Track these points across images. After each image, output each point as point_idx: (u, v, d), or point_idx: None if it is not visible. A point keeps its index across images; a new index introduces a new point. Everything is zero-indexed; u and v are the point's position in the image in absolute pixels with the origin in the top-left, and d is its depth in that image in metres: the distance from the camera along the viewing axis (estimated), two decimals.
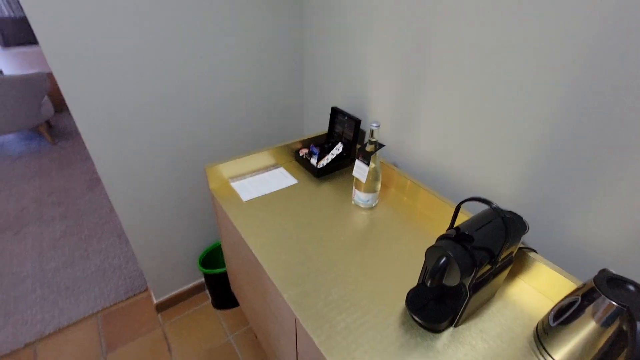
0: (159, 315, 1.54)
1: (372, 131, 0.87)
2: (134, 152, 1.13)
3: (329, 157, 1.10)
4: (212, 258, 1.51)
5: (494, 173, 0.82)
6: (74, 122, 3.38)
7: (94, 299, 1.60)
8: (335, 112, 1.18)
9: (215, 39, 1.10)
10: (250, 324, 1.49)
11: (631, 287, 0.53)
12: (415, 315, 0.65)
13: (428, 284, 0.59)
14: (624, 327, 0.51)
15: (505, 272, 0.69)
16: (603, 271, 0.56)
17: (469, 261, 0.56)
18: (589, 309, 0.55)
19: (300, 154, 1.16)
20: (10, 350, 1.40)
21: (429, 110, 0.92)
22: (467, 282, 0.59)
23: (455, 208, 0.62)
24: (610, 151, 0.61)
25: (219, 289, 1.48)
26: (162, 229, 1.35)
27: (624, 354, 0.52)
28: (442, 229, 0.90)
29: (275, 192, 1.03)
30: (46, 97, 2.92)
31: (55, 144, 3.00)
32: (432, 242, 0.84)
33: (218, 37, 1.10)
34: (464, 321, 0.67)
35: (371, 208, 0.98)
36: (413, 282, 0.74)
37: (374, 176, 0.92)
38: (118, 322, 1.51)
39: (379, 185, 0.95)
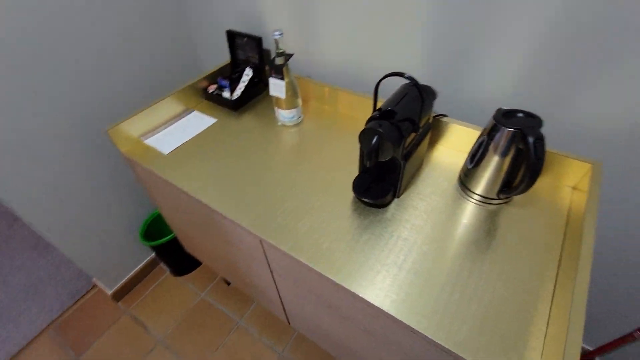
0: (119, 304, 1.46)
1: (276, 41, 0.82)
2: (19, 142, 0.93)
3: (241, 86, 1.04)
4: (155, 228, 1.42)
5: (400, 58, 0.86)
6: None
7: (36, 316, 1.44)
8: (233, 36, 1.08)
9: None
10: (218, 273, 1.51)
11: (520, 115, 0.65)
12: (363, 197, 0.71)
13: (368, 164, 0.64)
14: (520, 146, 0.63)
15: (427, 140, 0.77)
16: (499, 110, 0.67)
17: (396, 133, 0.61)
18: (492, 144, 0.66)
19: (210, 91, 1.07)
20: None
21: (329, 10, 0.89)
22: (399, 153, 0.65)
23: (374, 89, 0.65)
24: (485, 24, 0.67)
25: (174, 256, 1.43)
26: (87, 217, 1.20)
27: (523, 169, 0.65)
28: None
29: (196, 136, 0.96)
30: None
31: None
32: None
33: None
34: (404, 191, 0.76)
35: (297, 124, 0.98)
36: (354, 174, 0.80)
37: (292, 90, 0.90)
38: (76, 326, 1.41)
39: (299, 100, 0.95)
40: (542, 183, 0.76)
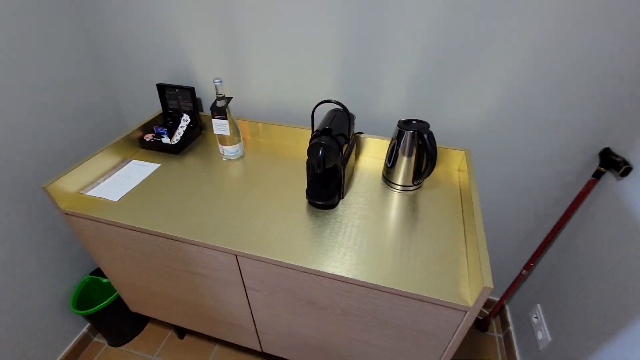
0: None
1: (216, 87, 0.96)
2: None
3: (180, 131, 1.11)
4: (85, 298, 1.28)
5: (319, 91, 1.08)
6: None
7: None
8: (163, 88, 1.17)
9: None
10: (173, 324, 1.42)
11: (414, 122, 0.91)
12: (317, 201, 0.87)
13: (318, 171, 0.80)
14: (420, 142, 0.88)
15: (354, 152, 0.98)
16: (400, 121, 0.92)
17: (336, 144, 0.80)
18: (401, 146, 0.90)
19: (147, 139, 1.12)
20: None
21: (255, 60, 1.07)
22: (339, 160, 0.84)
23: (311, 115, 0.84)
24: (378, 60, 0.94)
25: (113, 322, 1.31)
26: (8, 294, 1.05)
27: (425, 158, 0.90)
28: (300, 148, 1.13)
29: (143, 181, 0.99)
30: None
31: None
32: (299, 160, 1.06)
33: None
34: (345, 192, 0.94)
35: (241, 157, 1.10)
36: (300, 188, 0.95)
37: (234, 128, 1.03)
38: None
39: (240, 136, 1.08)
40: (438, 170, 1.04)
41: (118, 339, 1.37)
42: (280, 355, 1.10)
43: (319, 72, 1.04)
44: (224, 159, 1.09)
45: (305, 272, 0.75)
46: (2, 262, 1.03)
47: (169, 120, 1.21)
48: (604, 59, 0.82)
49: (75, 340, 1.32)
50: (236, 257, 0.81)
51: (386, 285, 0.69)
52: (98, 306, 1.20)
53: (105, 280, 1.31)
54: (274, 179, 1.00)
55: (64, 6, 1.08)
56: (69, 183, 0.92)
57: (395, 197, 0.94)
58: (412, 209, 0.89)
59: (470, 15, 0.83)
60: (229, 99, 1.00)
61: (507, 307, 1.45)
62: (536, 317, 1.19)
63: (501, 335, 1.43)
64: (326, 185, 0.90)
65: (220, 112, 0.98)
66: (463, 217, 0.87)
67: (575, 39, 0.81)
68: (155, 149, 1.13)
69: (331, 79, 1.04)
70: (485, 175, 1.11)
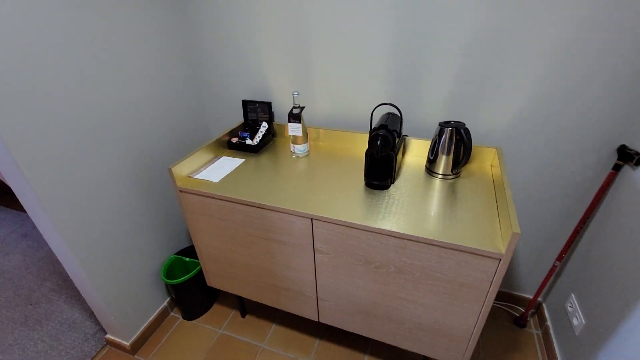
0: (136, 356, 1.46)
1: (294, 98, 1.24)
2: (76, 180, 1.13)
3: (259, 135, 1.41)
4: (168, 274, 1.54)
5: (369, 101, 1.34)
6: None
7: None
8: (246, 103, 1.49)
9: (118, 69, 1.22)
10: (238, 303, 1.63)
11: (452, 122, 1.13)
12: (373, 181, 1.09)
13: (377, 157, 1.03)
14: (457, 137, 1.09)
15: (402, 148, 1.21)
16: (440, 122, 1.15)
17: (390, 136, 1.04)
18: (441, 141, 1.12)
19: (233, 141, 1.42)
20: None
21: (319, 78, 1.36)
22: (393, 149, 1.06)
23: (370, 115, 1.09)
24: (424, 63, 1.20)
25: (191, 296, 1.54)
26: (118, 261, 1.33)
27: (462, 150, 1.11)
28: (356, 149, 1.38)
29: (233, 170, 1.27)
30: None
31: None
32: (356, 158, 1.30)
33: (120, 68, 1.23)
34: (396, 178, 1.16)
35: (307, 155, 1.36)
36: (356, 177, 1.18)
37: (304, 131, 1.30)
38: None
39: (308, 138, 1.35)
40: (473, 166, 1.23)
41: (191, 313, 1.60)
42: (335, 325, 1.28)
43: (369, 90, 1.30)
44: (293, 157, 1.35)
45: (367, 231, 0.96)
46: (119, 235, 1.33)
47: (248, 129, 1.51)
48: (618, 67, 1.01)
49: (159, 309, 1.57)
50: (311, 221, 1.03)
51: (434, 239, 0.89)
52: (182, 278, 1.46)
53: (187, 259, 1.57)
54: (335, 170, 1.24)
55: (173, 43, 1.45)
56: (181, 170, 1.21)
57: (437, 183, 1.14)
58: (452, 192, 1.09)
59: (504, 25, 1.07)
60: (302, 107, 1.28)
61: (544, 304, 1.53)
62: (571, 306, 1.28)
63: (540, 332, 1.50)
64: (381, 171, 1.13)
65: (295, 117, 1.26)
66: (496, 197, 1.05)
67: (591, 46, 1.01)
68: (239, 149, 1.42)
69: (380, 94, 1.30)
70: (515, 172, 1.29)
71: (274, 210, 1.07)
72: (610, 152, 1.13)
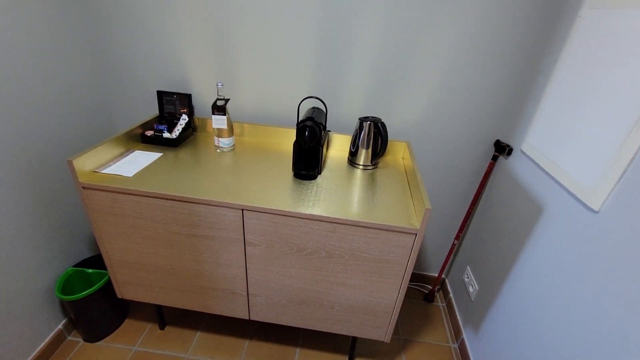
0: None
1: (218, 89, 1.21)
2: None
3: (178, 128, 1.32)
4: (66, 290, 1.32)
5: (295, 95, 1.38)
6: None
7: None
8: (162, 94, 1.38)
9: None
10: (156, 314, 1.48)
11: (370, 117, 1.24)
12: (301, 171, 1.13)
13: (306, 147, 1.07)
14: (375, 130, 1.21)
15: (326, 142, 1.28)
16: (360, 117, 1.25)
17: (317, 128, 1.09)
18: (362, 134, 1.22)
19: (148, 135, 1.29)
20: None
21: (243, 71, 1.35)
22: (319, 141, 1.12)
23: (298, 107, 1.12)
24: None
25: (95, 313, 1.34)
26: None
27: (379, 142, 1.23)
28: (282, 144, 1.40)
29: (150, 165, 1.16)
30: None
31: None
32: (282, 152, 1.32)
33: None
34: (321, 170, 1.22)
35: (232, 150, 1.33)
36: (284, 169, 1.20)
37: (229, 123, 1.27)
38: None
39: (233, 131, 1.31)
40: (387, 159, 1.37)
41: (96, 332, 1.39)
42: (267, 320, 1.26)
43: (294, 85, 1.35)
44: (218, 151, 1.30)
45: (299, 218, 0.99)
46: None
47: (164, 122, 1.40)
48: (495, 75, 1.26)
49: (51, 335, 1.32)
50: (242, 212, 1.01)
51: (361, 220, 0.96)
52: (84, 292, 1.26)
53: (90, 270, 1.36)
54: (263, 163, 1.24)
55: (74, 25, 1.27)
56: (84, 163, 1.06)
57: (359, 173, 1.24)
58: (372, 180, 1.19)
59: (408, 33, 1.23)
60: (227, 100, 1.25)
61: (447, 280, 1.78)
62: (467, 277, 1.52)
63: (444, 304, 1.73)
64: (308, 162, 1.17)
65: (220, 109, 1.22)
66: (409, 184, 1.19)
67: (477, 60, 1.24)
68: (155, 142, 1.31)
69: (304, 90, 1.36)
70: (422, 162, 1.48)
71: (202, 204, 1.01)
72: (491, 145, 1.39)
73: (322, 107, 1.37)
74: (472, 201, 1.47)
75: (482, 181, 1.41)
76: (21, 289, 1.18)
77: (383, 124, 1.19)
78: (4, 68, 1.04)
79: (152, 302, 1.31)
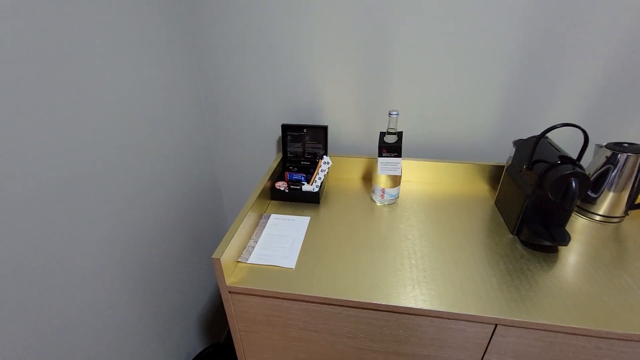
0: None
1: (390, 120, 0.82)
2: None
3: (320, 176, 0.94)
4: None
5: (472, 122, 0.98)
6: None
7: None
8: (286, 130, 1.01)
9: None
10: None
11: (626, 144, 0.81)
12: (540, 238, 0.71)
13: (571, 207, 0.66)
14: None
15: None
16: (610, 143, 0.82)
17: (587, 179, 0.66)
18: (614, 172, 0.79)
19: (280, 188, 0.93)
20: None
21: (395, 96, 0.96)
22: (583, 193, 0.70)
23: (535, 142, 0.71)
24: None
25: None
26: None
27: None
28: (458, 184, 1.00)
29: (305, 239, 0.80)
30: None
31: None
32: (456, 196, 0.89)
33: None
34: None
35: (395, 202, 0.94)
36: (487, 229, 0.80)
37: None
38: None
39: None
40: None
41: None
42: None
43: (474, 104, 0.94)
44: (378, 204, 0.92)
45: (598, 337, 0.58)
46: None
47: (289, 166, 1.04)
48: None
49: None
50: (494, 327, 0.62)
51: None
52: None
53: None
54: (449, 222, 0.84)
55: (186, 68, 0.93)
56: (230, 255, 0.70)
57: (604, 230, 0.81)
58: (635, 242, 0.76)
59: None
60: (400, 133, 0.86)
61: None
62: None
63: None
64: (546, 222, 0.76)
65: (392, 149, 0.84)
66: None
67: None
68: (290, 199, 0.94)
69: (488, 108, 0.95)
70: None
71: (423, 315, 0.63)
72: None
73: (555, 140, 0.95)
74: None
75: None
76: None
77: None
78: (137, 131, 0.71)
79: None
